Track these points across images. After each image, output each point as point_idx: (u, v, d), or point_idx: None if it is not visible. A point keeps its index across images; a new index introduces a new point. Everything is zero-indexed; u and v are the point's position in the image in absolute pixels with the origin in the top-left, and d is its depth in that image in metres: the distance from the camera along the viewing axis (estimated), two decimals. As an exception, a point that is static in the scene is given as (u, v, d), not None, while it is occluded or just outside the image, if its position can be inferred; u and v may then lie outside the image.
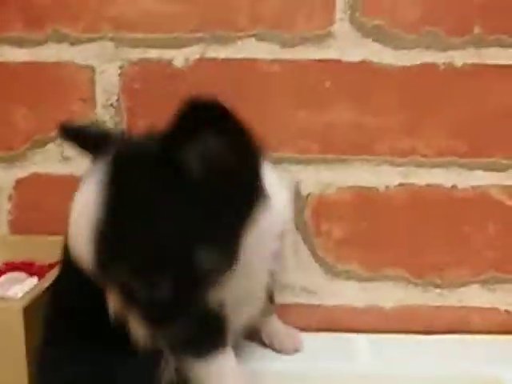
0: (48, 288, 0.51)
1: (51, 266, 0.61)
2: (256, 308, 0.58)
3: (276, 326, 0.70)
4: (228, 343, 0.51)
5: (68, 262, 0.48)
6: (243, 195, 0.42)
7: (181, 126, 0.37)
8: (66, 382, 0.45)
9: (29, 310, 0.47)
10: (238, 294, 0.50)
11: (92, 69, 0.72)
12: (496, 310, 0.76)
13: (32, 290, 0.51)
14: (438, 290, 0.76)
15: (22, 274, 0.59)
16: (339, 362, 0.67)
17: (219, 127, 0.36)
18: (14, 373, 0.47)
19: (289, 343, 0.69)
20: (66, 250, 0.52)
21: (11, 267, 0.60)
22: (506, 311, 0.76)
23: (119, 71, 0.71)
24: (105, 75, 0.72)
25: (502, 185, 0.72)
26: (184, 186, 0.38)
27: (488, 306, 0.76)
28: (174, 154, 0.38)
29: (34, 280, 0.57)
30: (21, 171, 0.75)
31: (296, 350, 0.68)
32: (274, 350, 0.68)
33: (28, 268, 0.61)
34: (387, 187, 0.73)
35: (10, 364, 0.46)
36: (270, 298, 0.65)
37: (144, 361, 0.46)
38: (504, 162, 0.72)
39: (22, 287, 0.54)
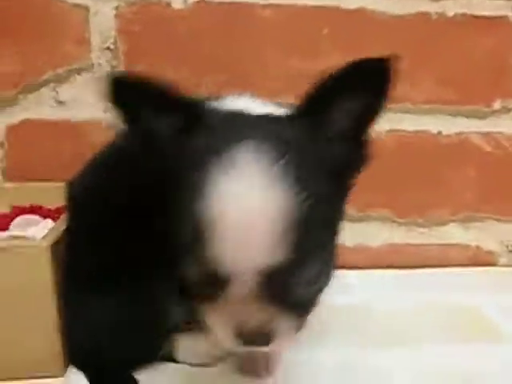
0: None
1: (58, 210, 0.61)
2: None
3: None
4: None
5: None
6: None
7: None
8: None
9: (54, 248, 0.48)
10: None
11: (86, 8, 0.69)
12: (468, 246, 0.84)
13: (52, 230, 0.51)
14: (420, 229, 0.83)
15: (35, 217, 0.59)
16: (333, 295, 0.73)
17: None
18: (42, 303, 0.48)
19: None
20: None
21: (21, 211, 0.60)
22: (477, 247, 0.84)
23: (115, 12, 0.69)
24: (100, 16, 0.69)
25: (482, 131, 0.78)
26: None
27: (462, 242, 0.84)
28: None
29: (49, 222, 0.57)
30: (12, 117, 0.73)
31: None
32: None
33: (38, 211, 0.61)
34: (378, 133, 0.77)
35: (39, 295, 0.48)
36: None
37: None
38: (485, 109, 0.77)
39: (39, 228, 0.55)
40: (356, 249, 0.81)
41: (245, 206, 0.33)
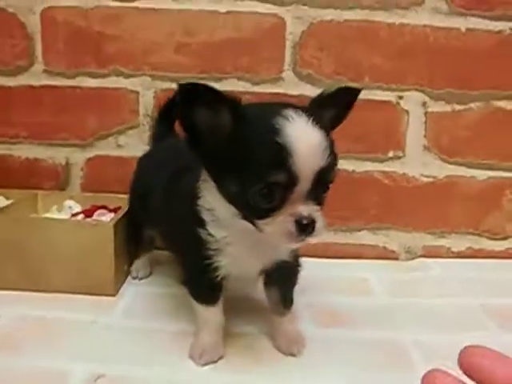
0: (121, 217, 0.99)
1: (116, 209, 1.08)
2: (246, 285, 0.93)
3: (285, 329, 0.82)
4: (219, 301, 0.78)
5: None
6: None
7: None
8: None
9: (115, 227, 0.94)
10: (236, 273, 0.75)
11: (137, 93, 1.18)
12: (377, 246, 1.25)
13: (114, 217, 0.98)
14: (343, 233, 1.25)
15: (105, 211, 1.07)
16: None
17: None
18: (107, 250, 0.92)
19: (293, 348, 0.79)
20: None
21: (97, 208, 1.08)
22: (384, 247, 1.25)
23: (153, 95, 1.18)
24: (145, 97, 1.18)
25: (381, 170, 1.21)
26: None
27: (372, 243, 1.25)
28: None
29: (112, 214, 1.05)
30: (89, 153, 1.22)
31: (299, 353, 0.79)
32: (278, 349, 0.80)
33: (106, 208, 1.08)
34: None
35: (105, 246, 0.93)
36: (284, 302, 0.81)
37: None
38: (383, 156, 1.20)
39: (106, 217, 1.02)
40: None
41: (305, 137, 0.58)
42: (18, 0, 1.13)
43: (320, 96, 0.68)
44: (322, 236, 0.64)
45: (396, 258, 1.26)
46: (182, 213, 0.77)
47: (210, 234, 0.71)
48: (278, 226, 0.61)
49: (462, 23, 1.13)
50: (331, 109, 0.68)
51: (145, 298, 0.98)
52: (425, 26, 1.13)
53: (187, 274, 0.81)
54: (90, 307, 0.92)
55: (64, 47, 1.15)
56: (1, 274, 0.95)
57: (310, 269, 1.14)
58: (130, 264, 1.06)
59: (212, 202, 0.69)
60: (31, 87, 1.17)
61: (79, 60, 1.16)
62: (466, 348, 0.35)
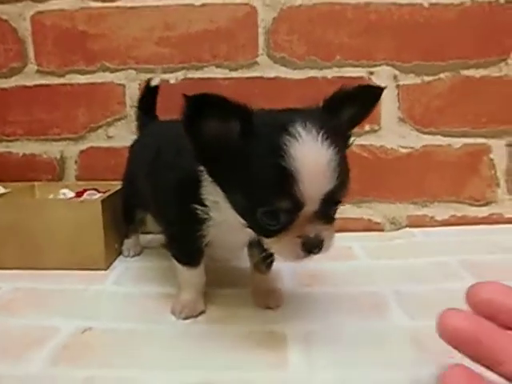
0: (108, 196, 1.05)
1: (106, 192, 1.15)
2: (231, 252, 0.90)
3: (264, 285, 0.85)
4: (199, 264, 0.80)
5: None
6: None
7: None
8: None
9: (103, 203, 1.00)
10: (221, 241, 0.76)
11: (123, 86, 1.25)
12: (361, 219, 1.29)
13: (101, 197, 1.04)
14: (327, 209, 1.29)
15: (95, 192, 1.13)
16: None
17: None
18: (96, 226, 0.99)
19: (269, 301, 0.82)
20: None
21: (87, 190, 1.14)
22: (369, 220, 1.29)
23: (138, 86, 1.25)
24: (131, 89, 1.25)
25: (359, 144, 1.25)
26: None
27: (357, 216, 1.29)
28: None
29: (100, 194, 1.11)
30: (82, 146, 1.29)
31: (276, 307, 0.82)
32: (257, 305, 0.83)
33: (95, 190, 1.15)
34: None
35: (95, 223, 0.99)
36: (265, 262, 0.81)
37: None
38: (359, 130, 1.25)
39: (96, 196, 1.09)
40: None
41: (312, 159, 0.54)
42: (9, 7, 1.23)
43: (337, 94, 0.63)
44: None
45: (382, 230, 1.29)
46: (177, 188, 0.77)
47: (204, 212, 0.71)
48: (285, 246, 0.60)
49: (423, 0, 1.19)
50: (350, 107, 0.64)
51: (134, 271, 1.03)
52: (389, 3, 1.19)
53: (171, 239, 0.83)
54: (82, 279, 0.97)
55: (53, 48, 1.24)
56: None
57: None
58: (121, 243, 1.12)
59: (214, 194, 0.68)
60: (25, 87, 1.26)
61: (68, 59, 1.24)
62: (473, 285, 0.37)
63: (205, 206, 0.70)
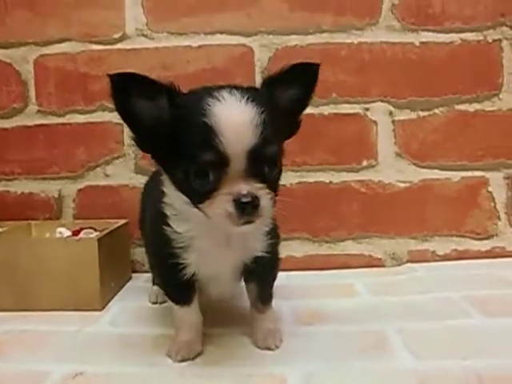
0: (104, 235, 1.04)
1: (102, 230, 1.13)
2: (223, 287, 0.82)
3: (262, 325, 0.82)
4: (193, 301, 0.77)
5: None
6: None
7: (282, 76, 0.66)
8: None
9: (100, 242, 0.99)
10: (207, 272, 0.74)
11: (122, 125, 1.27)
12: (362, 254, 1.27)
13: (97, 235, 1.03)
14: (327, 245, 1.27)
15: (91, 230, 1.12)
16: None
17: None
18: (92, 265, 0.97)
19: (269, 342, 0.79)
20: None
21: (84, 228, 1.13)
22: (369, 255, 1.27)
23: (137, 125, 1.27)
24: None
25: (357, 180, 1.25)
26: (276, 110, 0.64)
27: (357, 252, 1.27)
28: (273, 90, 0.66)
29: (97, 233, 1.10)
30: (80, 184, 1.29)
31: (276, 347, 0.79)
32: (256, 345, 0.80)
33: (92, 229, 1.14)
34: (290, 185, 1.26)
35: (91, 261, 0.97)
36: (262, 298, 0.81)
37: None
38: (358, 166, 1.26)
39: (92, 235, 1.07)
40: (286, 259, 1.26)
41: (233, 116, 0.58)
42: (13, 51, 1.26)
43: (274, 75, 0.67)
44: (268, 217, 0.64)
45: (383, 266, 1.27)
46: (151, 214, 0.80)
47: (174, 231, 0.71)
48: (218, 206, 0.60)
49: (415, 38, 1.23)
50: (290, 88, 0.67)
51: (131, 311, 1.00)
52: (381, 42, 1.23)
53: (158, 275, 0.82)
54: (76, 320, 0.94)
55: (55, 89, 1.26)
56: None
57: (296, 280, 1.17)
58: (117, 282, 1.09)
59: (170, 195, 0.70)
60: (26, 127, 1.27)
61: (68, 99, 1.26)
62: None
63: (168, 222, 0.71)
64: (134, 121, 0.62)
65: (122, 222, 1.16)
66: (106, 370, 0.75)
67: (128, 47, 1.25)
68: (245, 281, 0.83)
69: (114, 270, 1.07)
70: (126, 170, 1.27)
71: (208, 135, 0.58)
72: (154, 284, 1.05)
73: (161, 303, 1.02)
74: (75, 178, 1.29)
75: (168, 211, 0.71)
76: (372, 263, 1.27)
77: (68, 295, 0.99)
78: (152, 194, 0.85)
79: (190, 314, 0.79)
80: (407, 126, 1.25)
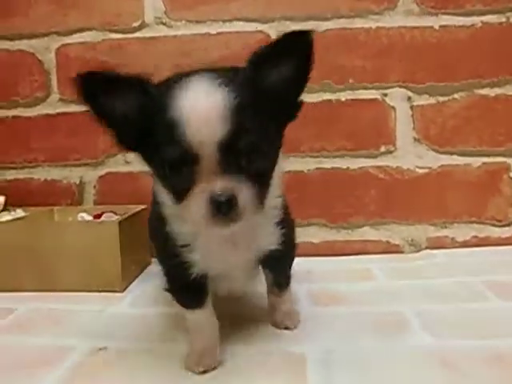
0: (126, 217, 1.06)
1: (122, 214, 1.16)
2: (236, 283, 0.76)
3: (280, 306, 0.81)
4: (205, 303, 0.70)
5: None
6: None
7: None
8: None
9: (121, 225, 1.01)
10: (215, 271, 0.68)
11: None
12: (380, 241, 1.27)
13: (118, 218, 1.05)
14: (345, 231, 1.27)
15: (112, 214, 1.15)
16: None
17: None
18: (114, 246, 0.99)
19: (286, 322, 0.80)
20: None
21: (105, 212, 1.16)
22: (387, 241, 1.27)
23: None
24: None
25: (375, 165, 1.25)
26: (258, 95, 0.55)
27: (375, 239, 1.27)
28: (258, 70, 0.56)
29: (117, 216, 1.12)
30: (101, 171, 1.32)
31: (294, 327, 0.79)
32: (273, 324, 0.81)
33: (113, 213, 1.17)
34: (308, 171, 1.27)
35: (112, 242, 0.99)
36: (278, 284, 0.80)
37: None
38: (375, 152, 1.25)
39: (113, 218, 1.10)
40: (303, 244, 1.26)
41: (200, 105, 0.52)
42: (36, 41, 1.29)
43: (260, 50, 0.57)
44: (251, 213, 0.55)
45: (401, 252, 1.26)
46: (152, 218, 0.77)
47: (175, 231, 0.66)
48: (193, 205, 0.55)
49: (434, 21, 1.21)
50: (280, 64, 0.57)
51: (152, 294, 1.02)
52: (399, 27, 1.22)
53: (166, 279, 0.74)
54: (99, 300, 0.97)
55: (76, 78, 1.29)
56: (17, 277, 1.03)
57: (313, 266, 1.17)
58: (138, 265, 1.11)
59: (161, 194, 0.65)
60: (48, 115, 1.30)
61: (89, 87, 1.29)
62: None
63: (167, 222, 0.67)
64: (109, 120, 0.58)
65: (142, 207, 1.18)
66: (128, 346, 0.77)
67: (147, 35, 1.26)
68: (262, 267, 0.79)
69: (134, 253, 1.09)
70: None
71: (173, 128, 0.52)
72: None
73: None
74: (96, 164, 1.31)
75: (164, 211, 0.66)
76: (390, 249, 1.26)
77: (90, 277, 1.01)
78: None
79: (203, 318, 0.71)
80: (426, 112, 1.23)
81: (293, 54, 0.56)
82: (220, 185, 0.53)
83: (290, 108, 0.61)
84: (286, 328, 0.80)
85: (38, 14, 1.29)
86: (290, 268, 0.82)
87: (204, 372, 0.67)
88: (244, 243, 0.66)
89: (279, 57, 0.56)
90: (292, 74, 0.57)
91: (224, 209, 0.53)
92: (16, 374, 0.68)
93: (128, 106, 0.57)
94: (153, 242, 0.80)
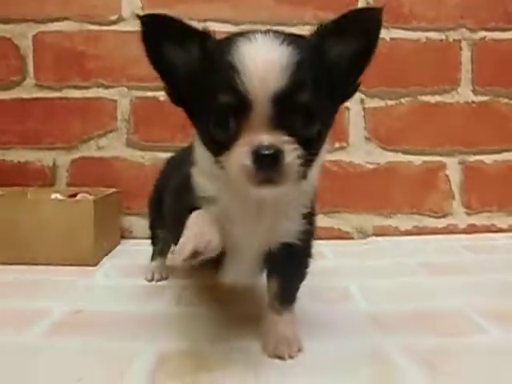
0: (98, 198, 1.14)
1: (95, 195, 1.23)
2: (243, 268, 0.68)
3: (276, 329, 0.67)
4: None
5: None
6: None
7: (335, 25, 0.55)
8: None
9: (95, 203, 1.09)
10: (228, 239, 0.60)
11: (115, 101, 1.36)
12: (332, 228, 1.40)
13: (92, 198, 1.13)
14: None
15: (86, 194, 1.22)
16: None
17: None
18: (88, 222, 1.07)
19: (283, 350, 0.64)
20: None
21: (79, 192, 1.23)
22: (339, 229, 1.41)
23: (130, 102, 1.36)
24: (122, 104, 1.36)
25: (330, 160, 1.39)
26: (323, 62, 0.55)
27: (328, 226, 1.40)
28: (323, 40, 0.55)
29: (92, 196, 1.20)
30: (74, 155, 1.38)
31: (290, 358, 0.63)
32: (266, 353, 0.64)
33: (87, 193, 1.24)
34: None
35: (87, 219, 1.07)
36: (281, 297, 0.68)
37: None
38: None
39: (88, 197, 1.18)
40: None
41: (261, 55, 0.51)
42: (13, 27, 1.34)
43: (327, 22, 0.57)
44: (294, 179, 0.52)
45: (351, 238, 1.41)
46: (176, 177, 0.75)
47: (200, 189, 0.63)
48: (235, 158, 0.52)
49: (386, 34, 1.36)
50: (345, 40, 0.56)
51: (123, 267, 1.11)
52: (355, 36, 1.36)
53: (173, 221, 0.70)
54: (74, 272, 1.05)
55: (52, 65, 1.35)
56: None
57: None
58: (109, 242, 1.20)
59: (198, 152, 0.63)
60: (23, 99, 1.36)
61: (65, 75, 1.35)
62: None
63: (194, 178, 0.64)
64: (164, 67, 0.57)
65: (114, 190, 1.26)
66: (103, 308, 0.86)
67: (125, 29, 1.34)
68: (267, 275, 0.71)
69: (106, 231, 1.17)
70: (118, 144, 1.36)
71: (229, 75, 0.50)
72: (152, 260, 1.04)
73: (157, 281, 1.00)
74: (69, 148, 1.38)
75: (195, 171, 0.64)
76: (341, 236, 1.40)
77: (65, 251, 1.09)
78: (176, 165, 0.84)
79: (205, 215, 0.61)
80: (376, 113, 1.38)
81: (359, 30, 0.56)
82: (268, 138, 0.51)
83: (348, 86, 0.60)
84: (279, 357, 0.64)
85: (15, 0, 1.34)
86: (300, 281, 0.71)
87: (195, 255, 0.55)
88: (268, 219, 0.62)
89: (345, 31, 0.56)
90: (355, 50, 0.57)
91: (268, 163, 0.50)
92: (3, 331, 0.75)
93: (188, 56, 0.56)
94: (167, 205, 0.79)
